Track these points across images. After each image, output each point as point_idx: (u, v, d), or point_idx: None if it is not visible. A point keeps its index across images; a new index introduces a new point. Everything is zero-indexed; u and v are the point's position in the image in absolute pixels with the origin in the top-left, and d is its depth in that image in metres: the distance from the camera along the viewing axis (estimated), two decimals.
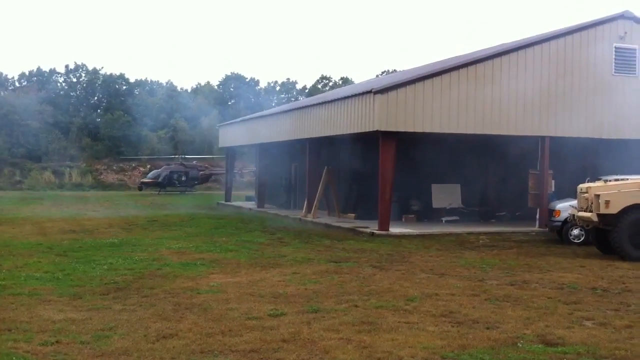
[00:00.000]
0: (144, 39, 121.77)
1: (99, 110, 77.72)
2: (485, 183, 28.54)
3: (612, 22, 24.32)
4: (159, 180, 52.32)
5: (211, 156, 60.34)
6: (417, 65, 43.31)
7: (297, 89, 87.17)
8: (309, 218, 26.55)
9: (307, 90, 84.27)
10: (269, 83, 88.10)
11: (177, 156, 57.94)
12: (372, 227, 22.15)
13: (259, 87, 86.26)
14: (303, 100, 51.77)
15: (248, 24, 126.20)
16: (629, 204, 16.36)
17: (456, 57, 31.31)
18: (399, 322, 9.39)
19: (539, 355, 7.89)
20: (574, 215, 17.87)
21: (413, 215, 26.24)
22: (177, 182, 52.81)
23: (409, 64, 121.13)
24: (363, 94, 22.61)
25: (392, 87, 21.90)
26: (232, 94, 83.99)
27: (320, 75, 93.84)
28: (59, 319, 9.46)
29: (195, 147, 66.91)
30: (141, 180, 55.68)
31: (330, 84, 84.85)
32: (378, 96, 21.51)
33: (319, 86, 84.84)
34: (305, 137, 27.60)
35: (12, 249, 17.39)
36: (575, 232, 19.58)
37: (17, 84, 79.64)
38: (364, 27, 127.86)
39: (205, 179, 56.57)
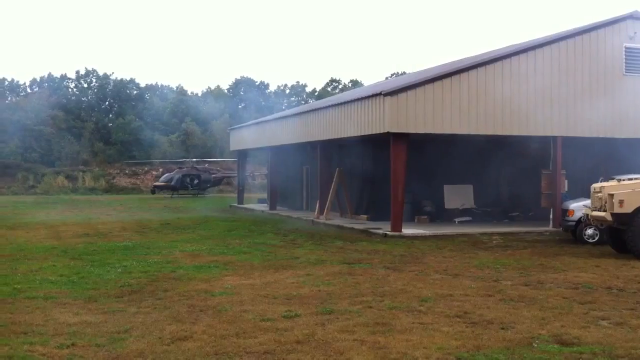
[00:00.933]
0: (154, 43, 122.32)
1: (110, 115, 78.13)
2: (497, 183, 28.46)
3: (622, 22, 24.25)
4: (172, 183, 52.49)
5: (223, 159, 60.48)
6: (427, 66, 43.27)
7: (306, 92, 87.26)
8: (322, 220, 26.55)
9: (316, 93, 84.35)
10: (278, 86, 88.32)
11: (189, 159, 58.08)
12: (385, 228, 22.13)
13: (268, 91, 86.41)
14: (313, 103, 51.80)
15: (258, 28, 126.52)
16: None
17: (466, 58, 31.27)
18: (413, 322, 9.37)
19: (554, 355, 7.85)
20: (587, 214, 17.80)
21: (426, 216, 26.19)
22: (189, 185, 52.99)
23: (418, 65, 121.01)
24: (373, 96, 22.59)
25: (402, 89, 21.89)
26: (243, 97, 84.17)
27: (329, 78, 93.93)
28: (74, 321, 9.50)
29: (207, 151, 67.14)
30: (154, 183, 55.90)
31: (340, 86, 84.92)
32: (388, 98, 21.49)
33: (329, 89, 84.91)
34: (316, 139, 27.61)
35: (27, 252, 17.50)
36: (590, 231, 19.48)
37: (28, 89, 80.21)
38: (373, 30, 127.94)
39: (218, 182, 56.73)
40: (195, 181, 53.36)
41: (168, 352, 7.98)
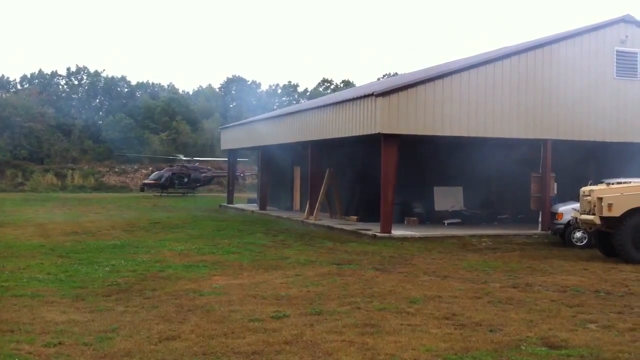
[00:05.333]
0: (146, 41, 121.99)
1: (100, 113, 77.83)
2: (487, 186, 28.51)
3: (613, 25, 24.34)
4: (161, 181, 52.29)
5: (214, 158, 60.21)
6: (419, 68, 43.32)
7: (298, 92, 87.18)
8: (311, 220, 26.52)
9: (308, 93, 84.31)
10: (270, 86, 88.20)
11: (179, 157, 57.82)
12: (375, 229, 22.11)
13: (260, 90, 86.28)
14: (305, 103, 51.79)
15: (250, 27, 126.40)
16: (631, 207, 16.33)
17: (457, 60, 31.31)
18: (401, 324, 9.36)
19: (542, 358, 7.86)
20: (576, 218, 17.85)
21: (415, 218, 26.20)
22: (178, 184, 52.75)
23: (410, 66, 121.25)
24: (365, 96, 22.58)
25: (394, 90, 21.89)
26: (234, 96, 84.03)
27: (321, 78, 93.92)
28: (62, 320, 9.45)
29: (197, 150, 66.97)
30: (143, 181, 55.67)
31: (332, 86, 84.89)
32: (380, 99, 21.49)
33: (321, 89, 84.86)
34: (307, 139, 27.58)
35: (15, 250, 17.40)
36: (578, 234, 19.55)
37: (19, 86, 79.78)
38: (365, 30, 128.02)
39: (208, 181, 56.51)
40: (185, 180, 53.15)
41: (156, 351, 7.94)
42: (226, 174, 45.89)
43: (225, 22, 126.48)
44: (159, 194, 51.60)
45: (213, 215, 31.26)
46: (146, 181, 54.26)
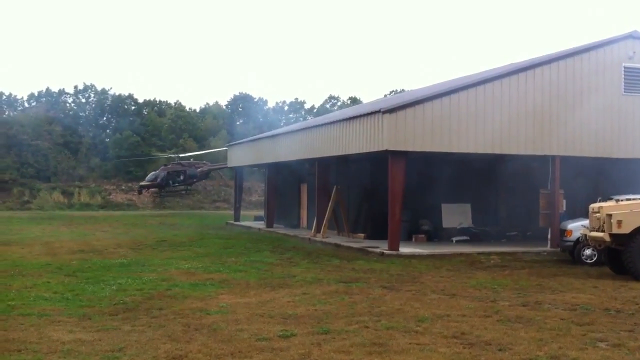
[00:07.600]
0: (153, 59, 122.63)
1: (107, 130, 78.09)
2: (495, 203, 28.40)
3: (621, 42, 24.33)
4: (157, 181, 52.03)
5: (209, 151, 59.57)
6: (426, 84, 43.34)
7: (305, 109, 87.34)
8: (319, 238, 26.44)
9: (315, 110, 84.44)
10: (277, 103, 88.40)
11: (173, 155, 57.40)
12: (382, 247, 22.02)
13: (267, 107, 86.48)
14: (312, 120, 51.84)
15: (257, 44, 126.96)
16: None
17: (465, 76, 31.32)
18: (410, 343, 9.28)
19: None
20: (585, 235, 17.72)
21: (423, 235, 26.08)
22: (174, 182, 52.43)
23: (417, 83, 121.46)
24: (372, 113, 22.58)
25: (401, 106, 21.87)
26: (241, 114, 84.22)
27: (328, 95, 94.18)
28: (69, 339, 9.40)
29: None
30: (140, 183, 55.48)
31: (339, 103, 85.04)
32: (387, 116, 21.47)
33: (327, 106, 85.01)
34: (314, 156, 27.56)
35: (22, 269, 17.37)
36: (588, 252, 19.41)
37: (26, 104, 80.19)
38: (372, 47, 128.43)
39: (204, 175, 55.92)
40: (181, 177, 52.84)
41: None
42: (224, 166, 45.55)
43: (232, 40, 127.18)
44: (157, 195, 51.24)
45: (220, 233, 31.21)
46: (143, 183, 54.08)
